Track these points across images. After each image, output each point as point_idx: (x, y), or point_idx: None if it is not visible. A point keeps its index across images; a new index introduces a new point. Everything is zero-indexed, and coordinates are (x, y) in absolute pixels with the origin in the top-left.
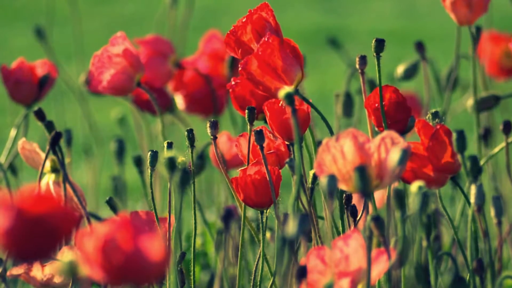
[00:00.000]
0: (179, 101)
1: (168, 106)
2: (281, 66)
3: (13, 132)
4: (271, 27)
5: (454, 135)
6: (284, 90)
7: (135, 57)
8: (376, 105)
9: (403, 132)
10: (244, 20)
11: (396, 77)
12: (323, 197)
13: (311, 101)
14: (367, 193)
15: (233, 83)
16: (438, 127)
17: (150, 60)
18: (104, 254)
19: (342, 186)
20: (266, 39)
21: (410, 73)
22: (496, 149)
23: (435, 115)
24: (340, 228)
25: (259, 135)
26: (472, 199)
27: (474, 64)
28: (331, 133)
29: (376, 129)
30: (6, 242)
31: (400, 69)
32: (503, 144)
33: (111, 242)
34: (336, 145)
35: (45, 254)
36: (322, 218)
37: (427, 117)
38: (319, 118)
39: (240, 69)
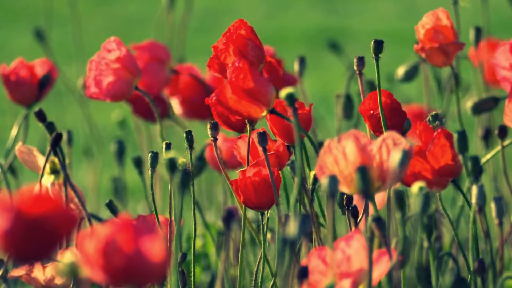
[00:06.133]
0: (176, 106)
1: (165, 112)
2: (255, 88)
3: (13, 133)
4: (253, 43)
5: (455, 136)
6: (286, 90)
7: (132, 62)
8: (371, 112)
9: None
10: (224, 41)
11: (396, 79)
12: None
13: (312, 104)
14: (368, 194)
15: (214, 99)
16: (439, 130)
17: (147, 66)
18: (104, 256)
19: (343, 188)
20: (236, 64)
21: (410, 75)
22: (493, 152)
23: (435, 117)
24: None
25: (262, 137)
26: (473, 200)
27: (459, 64)
28: (313, 145)
29: (373, 133)
30: (5, 244)
31: (401, 71)
32: (498, 148)
33: (112, 243)
34: (338, 147)
35: (45, 255)
36: (322, 225)
37: (427, 120)
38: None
39: (214, 99)
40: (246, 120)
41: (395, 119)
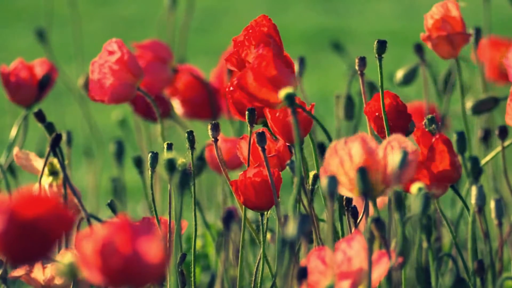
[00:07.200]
0: (177, 106)
1: (167, 112)
2: (277, 76)
3: (13, 133)
4: (274, 41)
5: (454, 137)
6: (285, 90)
7: (134, 64)
8: (377, 114)
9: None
10: (246, 37)
11: (395, 82)
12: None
13: (312, 104)
14: (367, 194)
15: (231, 88)
16: (437, 136)
17: (149, 66)
18: (102, 257)
19: (345, 191)
20: (260, 52)
21: (409, 78)
22: (493, 153)
23: (431, 121)
24: (339, 230)
25: (261, 137)
26: (473, 200)
27: (459, 66)
28: (329, 139)
29: (376, 133)
30: (0, 246)
31: (399, 74)
32: (499, 149)
33: (109, 244)
34: (344, 148)
35: (40, 256)
36: (323, 220)
37: (423, 123)
38: (319, 120)
39: (235, 83)
40: (247, 120)
41: (400, 121)
